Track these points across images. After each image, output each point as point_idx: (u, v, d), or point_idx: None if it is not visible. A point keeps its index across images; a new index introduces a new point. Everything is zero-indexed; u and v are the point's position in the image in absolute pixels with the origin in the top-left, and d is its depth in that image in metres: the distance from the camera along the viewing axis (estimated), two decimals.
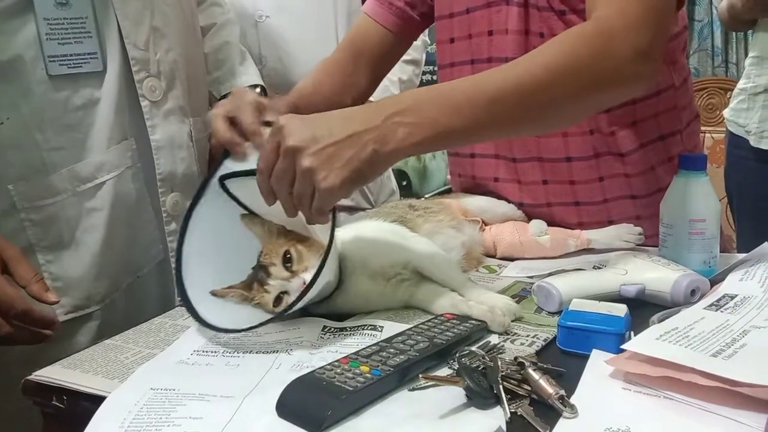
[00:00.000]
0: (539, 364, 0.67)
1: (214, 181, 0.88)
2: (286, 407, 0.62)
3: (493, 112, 0.76)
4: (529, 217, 1.11)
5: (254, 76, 1.35)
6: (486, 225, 1.09)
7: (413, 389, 0.65)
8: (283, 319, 0.81)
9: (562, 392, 0.61)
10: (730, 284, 0.82)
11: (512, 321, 0.80)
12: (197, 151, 1.15)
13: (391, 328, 0.79)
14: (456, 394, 0.63)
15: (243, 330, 0.76)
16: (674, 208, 0.91)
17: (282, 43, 1.61)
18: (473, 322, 0.77)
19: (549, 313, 0.83)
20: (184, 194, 1.10)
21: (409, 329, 0.75)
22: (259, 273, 0.82)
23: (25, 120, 0.94)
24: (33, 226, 0.96)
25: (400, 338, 0.72)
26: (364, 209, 1.64)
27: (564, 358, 0.72)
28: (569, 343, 0.73)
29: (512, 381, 0.64)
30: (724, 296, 0.79)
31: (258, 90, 1.29)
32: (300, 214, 0.77)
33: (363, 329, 0.79)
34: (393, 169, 1.92)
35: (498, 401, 0.62)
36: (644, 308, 0.81)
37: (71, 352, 0.79)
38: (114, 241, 1.03)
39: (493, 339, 0.76)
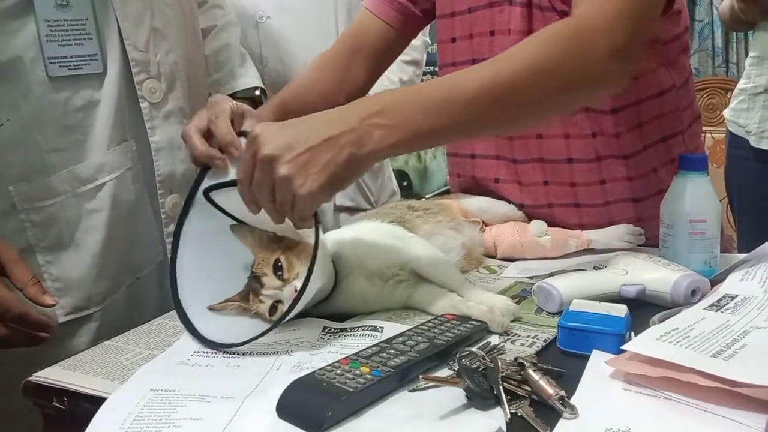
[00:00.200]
0: (539, 364, 0.66)
1: (199, 195, 0.87)
2: (286, 408, 0.62)
3: (469, 112, 0.76)
4: (530, 218, 1.11)
5: (254, 78, 1.35)
6: (486, 225, 1.09)
7: (413, 390, 0.65)
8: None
9: (563, 393, 0.61)
10: (730, 284, 0.82)
11: (512, 321, 0.80)
12: None
13: (391, 328, 0.79)
14: (456, 394, 0.63)
15: (243, 343, 0.75)
16: (675, 209, 0.91)
17: (283, 43, 1.61)
18: (473, 322, 0.77)
19: (549, 313, 0.83)
20: (184, 196, 1.09)
21: (409, 330, 0.75)
22: (253, 283, 0.82)
23: (25, 121, 0.94)
24: (33, 227, 0.96)
25: (400, 339, 0.72)
26: (364, 210, 1.64)
27: (564, 358, 0.72)
28: (569, 344, 0.73)
29: (512, 382, 0.64)
30: (724, 296, 0.79)
31: (258, 92, 1.29)
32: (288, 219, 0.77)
33: (363, 330, 0.79)
34: (393, 170, 1.92)
35: (498, 402, 0.61)
36: (644, 309, 0.81)
37: (71, 354, 0.79)
38: (114, 242, 1.03)
39: (494, 340, 0.76)
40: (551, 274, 0.90)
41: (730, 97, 1.83)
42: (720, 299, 0.78)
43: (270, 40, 1.61)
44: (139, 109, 1.05)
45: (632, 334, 0.73)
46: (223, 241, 0.86)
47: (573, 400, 0.61)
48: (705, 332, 0.68)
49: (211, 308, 0.83)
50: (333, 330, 0.80)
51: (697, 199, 0.90)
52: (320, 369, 0.66)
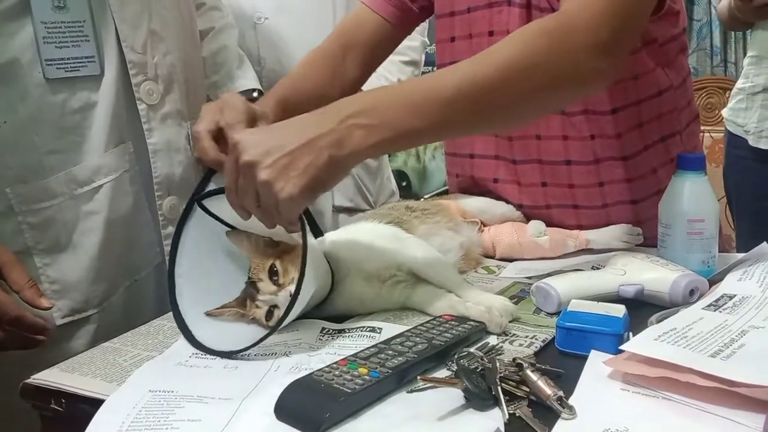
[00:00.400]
0: (537, 365, 0.66)
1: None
2: (284, 409, 0.62)
3: (450, 112, 0.75)
4: (528, 219, 1.11)
5: (252, 80, 1.35)
6: (485, 226, 1.09)
7: (412, 391, 0.65)
8: None
9: (561, 393, 0.61)
10: (728, 284, 0.82)
11: (511, 322, 0.80)
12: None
13: (389, 329, 0.79)
14: (454, 395, 0.63)
15: (243, 350, 0.75)
16: (673, 208, 0.91)
17: (281, 44, 1.61)
18: (472, 323, 0.77)
19: (547, 313, 0.83)
20: (181, 198, 1.09)
21: (407, 331, 0.75)
22: (249, 289, 0.82)
23: (22, 123, 0.94)
24: (30, 229, 0.96)
25: (398, 340, 0.72)
26: (363, 211, 1.64)
27: (562, 358, 0.72)
28: (568, 344, 0.73)
29: (511, 382, 0.64)
30: (722, 296, 0.79)
31: (255, 94, 1.29)
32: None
33: (361, 331, 0.79)
34: (392, 170, 1.92)
35: (496, 402, 0.61)
36: (643, 309, 0.81)
37: (69, 355, 0.79)
38: (111, 244, 1.03)
39: (492, 340, 0.76)
40: (549, 275, 0.90)
41: (729, 97, 1.83)
42: (718, 299, 0.78)
43: (268, 41, 1.61)
44: (137, 111, 1.05)
45: (630, 334, 0.73)
46: (222, 247, 0.86)
47: (571, 401, 0.61)
48: (703, 332, 0.68)
49: (208, 314, 0.83)
50: (331, 331, 0.80)
51: (695, 199, 0.90)
52: (318, 370, 0.66)
